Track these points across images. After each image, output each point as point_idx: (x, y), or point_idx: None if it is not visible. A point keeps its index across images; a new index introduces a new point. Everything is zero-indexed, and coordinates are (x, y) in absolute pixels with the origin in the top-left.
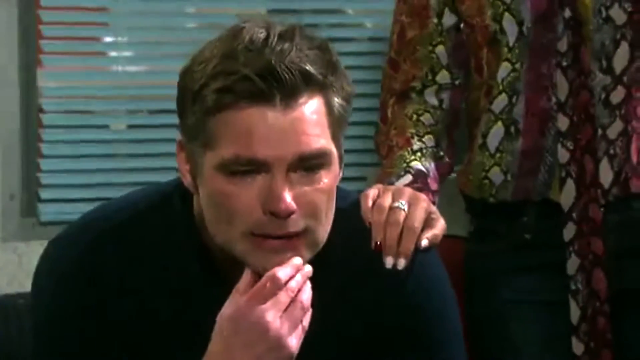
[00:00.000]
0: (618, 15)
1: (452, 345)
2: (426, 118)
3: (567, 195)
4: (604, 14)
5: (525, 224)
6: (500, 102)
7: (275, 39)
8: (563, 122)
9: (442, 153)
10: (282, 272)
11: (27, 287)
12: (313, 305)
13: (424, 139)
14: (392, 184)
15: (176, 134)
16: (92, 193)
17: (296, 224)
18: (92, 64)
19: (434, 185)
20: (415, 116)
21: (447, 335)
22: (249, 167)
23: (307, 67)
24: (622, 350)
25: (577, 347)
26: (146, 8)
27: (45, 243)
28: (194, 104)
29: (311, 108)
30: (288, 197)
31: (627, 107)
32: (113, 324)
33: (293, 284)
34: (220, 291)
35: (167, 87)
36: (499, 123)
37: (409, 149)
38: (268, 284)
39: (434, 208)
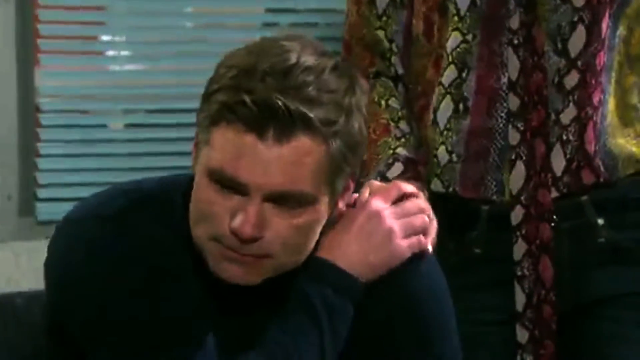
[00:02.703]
0: None
1: (447, 341)
2: (394, 102)
3: (516, 178)
4: None
5: (475, 238)
6: (449, 74)
7: (299, 71)
8: (514, 103)
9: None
10: (408, 187)
11: (24, 286)
12: None
13: (400, 125)
14: (382, 173)
15: (174, 133)
16: (90, 192)
17: (259, 248)
18: (89, 63)
19: (423, 172)
20: (383, 102)
21: (443, 332)
22: (229, 183)
23: (311, 113)
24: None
25: (521, 335)
26: (144, 7)
27: (43, 242)
28: (204, 102)
29: (304, 151)
30: (254, 224)
31: (581, 93)
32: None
33: (415, 202)
34: (207, 283)
35: (165, 86)
36: (448, 98)
37: (392, 135)
38: (393, 191)
39: (429, 208)
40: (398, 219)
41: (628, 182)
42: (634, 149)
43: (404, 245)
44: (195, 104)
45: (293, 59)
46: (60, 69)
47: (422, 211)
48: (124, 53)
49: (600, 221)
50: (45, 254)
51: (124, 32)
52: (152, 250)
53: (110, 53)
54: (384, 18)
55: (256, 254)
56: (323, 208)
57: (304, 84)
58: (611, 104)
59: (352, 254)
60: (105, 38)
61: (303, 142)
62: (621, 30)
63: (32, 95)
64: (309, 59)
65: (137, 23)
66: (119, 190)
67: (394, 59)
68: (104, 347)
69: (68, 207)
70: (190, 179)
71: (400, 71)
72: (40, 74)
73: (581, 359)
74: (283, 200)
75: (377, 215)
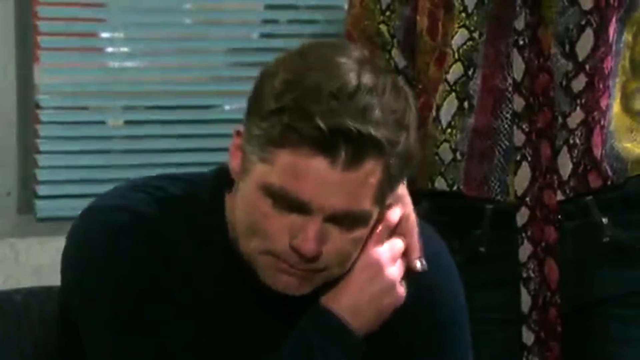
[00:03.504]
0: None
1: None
2: None
3: (521, 179)
4: None
5: (479, 237)
6: (455, 71)
7: (364, 92)
8: (519, 104)
9: None
10: (394, 214)
11: (23, 283)
12: None
13: None
14: None
15: (173, 130)
16: (89, 189)
17: (317, 264)
18: (89, 60)
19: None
20: None
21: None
22: (290, 202)
23: (381, 136)
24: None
25: (527, 337)
26: (143, 4)
27: (42, 240)
28: (262, 119)
29: (370, 172)
30: (316, 242)
31: (589, 96)
32: (159, 294)
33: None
34: (244, 290)
35: (164, 83)
36: (453, 95)
37: None
38: (381, 227)
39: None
40: (395, 262)
41: (633, 181)
42: (638, 151)
43: (402, 292)
44: (195, 100)
45: (354, 79)
46: (60, 66)
47: (410, 236)
48: (124, 50)
49: (605, 220)
50: (44, 251)
51: (123, 29)
52: (170, 251)
53: (110, 50)
54: (388, 13)
55: (314, 268)
56: (374, 218)
57: (369, 106)
58: (616, 108)
59: (360, 310)
60: (104, 35)
61: (371, 164)
62: (626, 36)
63: (31, 92)
64: (369, 79)
65: (136, 20)
66: (146, 188)
67: (394, 52)
68: (97, 332)
69: (67, 204)
70: (216, 177)
71: (402, 64)
72: (39, 70)
73: (586, 359)
74: (344, 218)
75: (379, 270)
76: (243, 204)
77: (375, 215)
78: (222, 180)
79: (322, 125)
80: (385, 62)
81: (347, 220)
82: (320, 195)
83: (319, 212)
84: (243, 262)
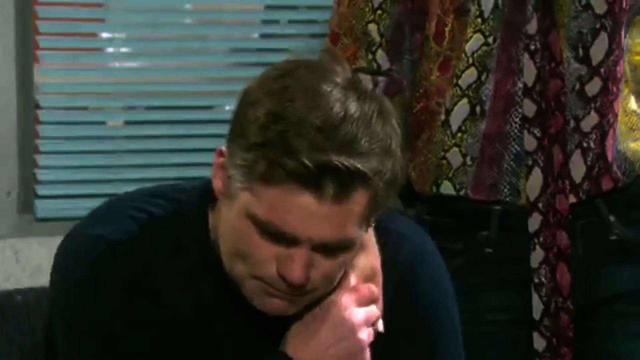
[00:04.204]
0: (598, 3)
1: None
2: None
3: (533, 185)
4: (583, 1)
5: (486, 238)
6: (468, 76)
7: (350, 124)
8: (530, 109)
9: None
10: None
11: (24, 283)
12: None
13: None
14: None
15: (173, 130)
16: (89, 189)
17: (304, 288)
18: (89, 60)
19: None
20: None
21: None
22: (276, 234)
23: (368, 169)
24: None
25: (539, 343)
26: (143, 4)
27: (42, 239)
28: (245, 150)
29: (356, 202)
30: (304, 271)
31: (603, 100)
32: (133, 325)
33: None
34: (230, 302)
35: (165, 83)
36: (465, 100)
37: None
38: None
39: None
40: (367, 326)
41: (639, 180)
42: None
43: (367, 356)
44: (195, 101)
45: (340, 109)
46: (60, 66)
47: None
48: (124, 50)
49: (612, 218)
50: (44, 251)
51: (123, 29)
52: (149, 281)
53: (110, 50)
54: (379, 12)
55: (301, 293)
56: (360, 241)
57: (355, 137)
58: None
59: None
60: (104, 35)
61: (358, 195)
62: (627, 38)
63: (31, 92)
64: (355, 107)
65: (136, 20)
66: (129, 211)
67: (379, 53)
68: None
69: (67, 204)
70: (201, 194)
71: (385, 66)
72: (39, 70)
73: (594, 356)
74: (331, 246)
75: (352, 331)
76: (228, 227)
77: (361, 237)
78: (206, 197)
79: (307, 162)
80: (367, 63)
81: (334, 247)
82: (307, 229)
83: (306, 243)
84: (229, 282)
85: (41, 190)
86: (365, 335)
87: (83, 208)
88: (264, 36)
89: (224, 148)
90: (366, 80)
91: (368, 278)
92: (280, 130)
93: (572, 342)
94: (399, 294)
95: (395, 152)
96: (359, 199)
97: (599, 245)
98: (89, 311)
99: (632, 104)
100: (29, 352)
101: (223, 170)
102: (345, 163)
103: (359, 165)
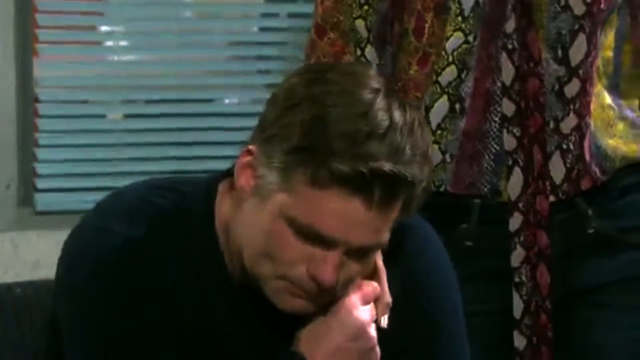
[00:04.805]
0: (576, 5)
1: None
2: None
3: (514, 184)
4: (562, 2)
5: (466, 231)
6: (448, 74)
7: (396, 132)
8: (509, 108)
9: None
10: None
11: (23, 276)
12: None
13: None
14: None
15: (173, 123)
16: (89, 182)
17: (330, 290)
18: (88, 53)
19: None
20: None
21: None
22: (315, 237)
23: (412, 176)
24: (566, 351)
25: (519, 341)
26: None
27: (41, 233)
28: (287, 152)
29: (397, 208)
30: (335, 272)
31: (582, 102)
32: (141, 322)
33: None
34: (234, 302)
35: (164, 76)
36: (445, 97)
37: None
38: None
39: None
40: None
41: (615, 173)
42: (624, 148)
43: (378, 352)
44: (195, 94)
45: (386, 118)
46: (59, 59)
47: (381, 284)
48: (123, 43)
49: (590, 212)
50: (44, 244)
51: (122, 22)
52: (154, 277)
53: (109, 43)
54: (366, 7)
55: (327, 294)
56: None
57: (401, 145)
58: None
59: None
60: (104, 28)
61: (401, 202)
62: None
63: (30, 85)
64: (399, 116)
65: (135, 13)
66: (136, 205)
67: (368, 49)
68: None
69: (67, 197)
70: (209, 188)
71: (374, 62)
72: (38, 64)
73: (571, 348)
74: (364, 251)
75: (362, 329)
76: (256, 228)
77: None
78: (214, 192)
79: (361, 167)
80: (356, 59)
81: (366, 251)
82: (348, 233)
83: (342, 247)
84: (235, 280)
85: (40, 184)
86: (374, 332)
87: (82, 201)
88: (263, 29)
89: (252, 147)
90: None
91: (372, 277)
92: (327, 135)
93: (551, 341)
94: (405, 285)
95: (431, 160)
96: (398, 205)
97: (577, 239)
98: (98, 307)
99: (607, 98)
100: (28, 345)
101: (251, 170)
102: (395, 170)
103: (406, 173)
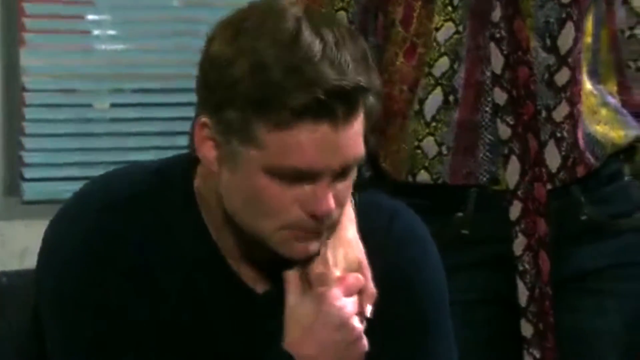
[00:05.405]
0: None
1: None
2: None
3: (511, 173)
4: None
5: (462, 219)
6: (441, 65)
7: (332, 48)
8: (500, 97)
9: None
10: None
11: (10, 266)
12: None
13: None
14: None
15: (159, 113)
16: (76, 171)
17: (331, 218)
18: (75, 42)
19: None
20: None
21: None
22: (299, 175)
23: (362, 82)
24: (562, 336)
25: (527, 329)
26: None
27: (28, 222)
28: (239, 108)
29: (360, 119)
30: (330, 200)
31: (573, 90)
32: (123, 308)
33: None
34: (219, 273)
35: (151, 65)
36: (439, 89)
37: None
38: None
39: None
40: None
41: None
42: (612, 134)
43: (365, 343)
44: (182, 84)
45: (317, 40)
46: (46, 48)
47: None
48: (110, 32)
49: (583, 198)
50: (31, 233)
51: (110, 11)
52: (137, 258)
53: (97, 32)
54: None
55: (327, 224)
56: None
57: (342, 59)
58: None
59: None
60: (91, 17)
61: (360, 112)
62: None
63: (17, 74)
64: (327, 32)
65: (123, 2)
66: (114, 190)
67: None
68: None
69: (53, 186)
70: (186, 165)
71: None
72: (25, 53)
73: (561, 334)
74: (347, 170)
75: (346, 321)
76: (241, 194)
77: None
78: (191, 169)
79: (314, 94)
80: None
81: (348, 170)
82: (328, 159)
83: (326, 174)
84: (220, 258)
85: (28, 173)
86: (359, 323)
87: (70, 190)
88: None
89: (204, 119)
90: None
91: (354, 271)
92: (272, 78)
93: (554, 327)
94: (390, 272)
95: (374, 65)
96: (361, 116)
97: (570, 226)
98: (80, 292)
99: (588, 84)
100: (14, 333)
101: (212, 141)
102: (348, 83)
103: (356, 81)
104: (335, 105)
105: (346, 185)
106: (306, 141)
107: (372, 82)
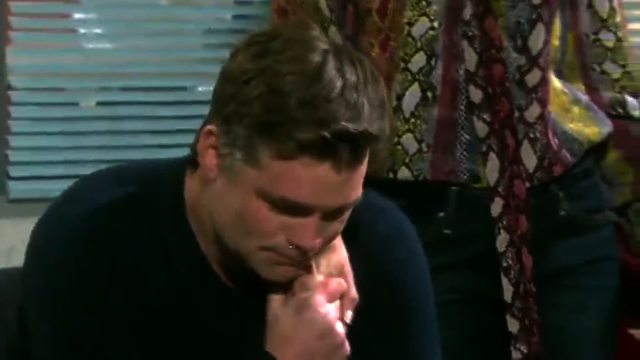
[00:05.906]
0: None
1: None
2: None
3: (491, 169)
4: None
5: (444, 219)
6: (418, 60)
7: (351, 90)
8: (475, 94)
9: None
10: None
11: None
12: None
13: None
14: None
15: (149, 111)
16: (62, 170)
17: (314, 251)
18: (62, 41)
19: None
20: None
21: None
22: (291, 207)
23: (375, 130)
24: (544, 332)
25: (512, 325)
26: None
27: (15, 221)
28: (247, 127)
29: (364, 164)
30: (316, 238)
31: (543, 91)
32: (110, 310)
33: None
34: (206, 279)
35: (137, 64)
36: (416, 85)
37: None
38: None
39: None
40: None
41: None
42: (587, 131)
43: (347, 347)
44: (169, 82)
45: (338, 77)
46: (32, 47)
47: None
48: (97, 31)
49: (561, 194)
50: (18, 232)
51: (96, 10)
52: (126, 262)
53: (83, 31)
54: None
55: (311, 255)
56: None
57: (359, 102)
58: None
59: None
60: (78, 15)
61: (366, 157)
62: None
63: (3, 73)
64: (351, 72)
65: (109, 0)
66: (103, 190)
67: (331, 29)
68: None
69: (40, 185)
70: (177, 170)
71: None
72: (11, 51)
73: (544, 330)
74: (341, 211)
75: (329, 327)
76: (231, 208)
77: None
78: (182, 175)
79: (324, 133)
80: None
81: (343, 210)
82: (324, 199)
83: (319, 211)
84: (206, 260)
85: (14, 172)
86: (342, 328)
87: (56, 189)
88: (237, 17)
89: (212, 128)
90: None
91: (336, 276)
92: (286, 106)
93: (539, 322)
94: (375, 269)
95: (389, 109)
96: (365, 162)
97: (548, 223)
98: (67, 292)
99: (557, 83)
100: (2, 331)
101: (215, 150)
102: (357, 128)
103: (368, 128)
104: (340, 147)
105: (337, 225)
106: (305, 176)
107: (383, 130)
